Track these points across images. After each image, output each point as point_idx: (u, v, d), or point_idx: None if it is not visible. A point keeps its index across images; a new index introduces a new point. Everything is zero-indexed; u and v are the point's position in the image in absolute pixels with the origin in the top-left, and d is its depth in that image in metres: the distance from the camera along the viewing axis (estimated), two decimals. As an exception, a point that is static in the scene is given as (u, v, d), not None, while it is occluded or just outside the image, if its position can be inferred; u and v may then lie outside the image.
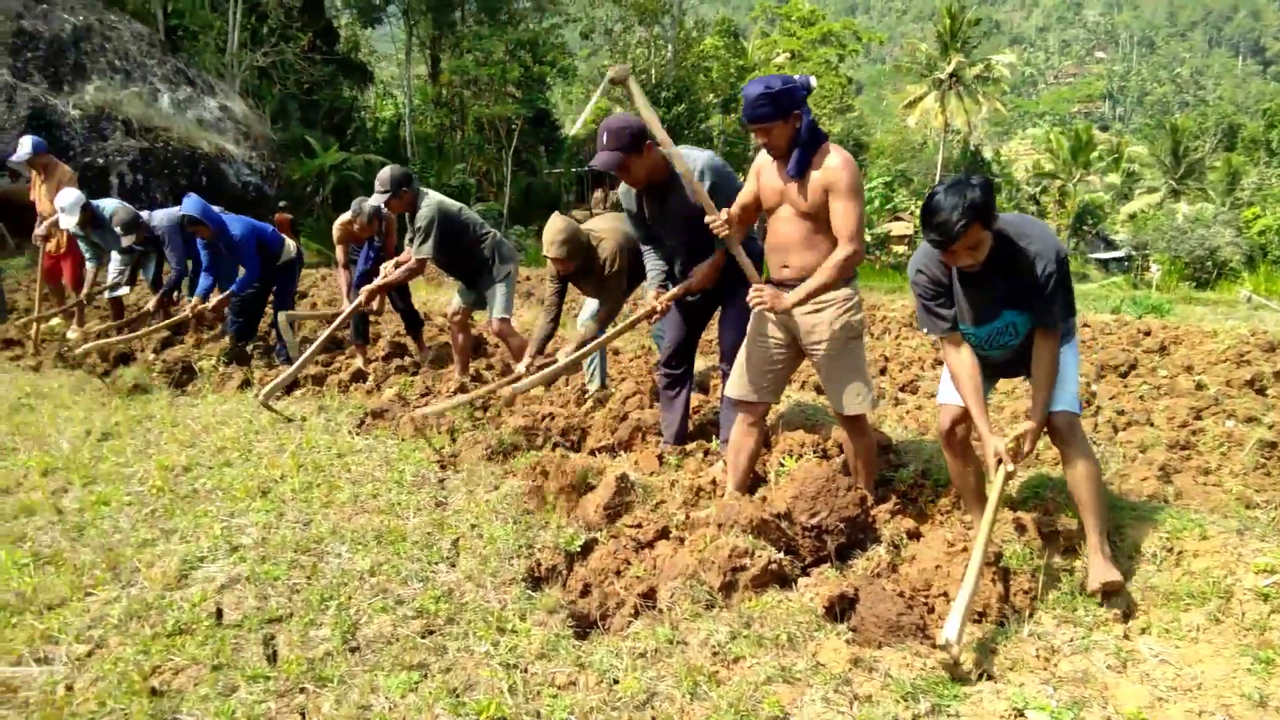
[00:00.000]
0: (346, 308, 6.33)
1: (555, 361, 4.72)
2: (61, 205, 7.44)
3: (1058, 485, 3.73)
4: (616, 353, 6.76)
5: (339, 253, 7.27)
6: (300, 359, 5.86)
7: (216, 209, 7.03)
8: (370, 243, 6.91)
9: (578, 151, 39.46)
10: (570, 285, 5.11)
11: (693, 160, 3.90)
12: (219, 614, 2.88)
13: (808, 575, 3.10)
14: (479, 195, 32.67)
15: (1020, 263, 2.93)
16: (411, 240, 5.87)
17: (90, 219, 7.60)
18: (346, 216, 6.81)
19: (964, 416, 3.26)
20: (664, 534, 3.43)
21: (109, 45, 17.07)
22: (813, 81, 3.43)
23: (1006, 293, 3.02)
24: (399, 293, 7.16)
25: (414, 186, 5.85)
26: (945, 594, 2.88)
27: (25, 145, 8.26)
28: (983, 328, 3.15)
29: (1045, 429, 3.14)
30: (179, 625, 2.79)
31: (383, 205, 5.80)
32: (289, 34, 26.69)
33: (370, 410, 5.42)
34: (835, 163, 3.31)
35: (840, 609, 2.77)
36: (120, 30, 17.89)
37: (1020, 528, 3.27)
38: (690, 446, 4.51)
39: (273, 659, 2.62)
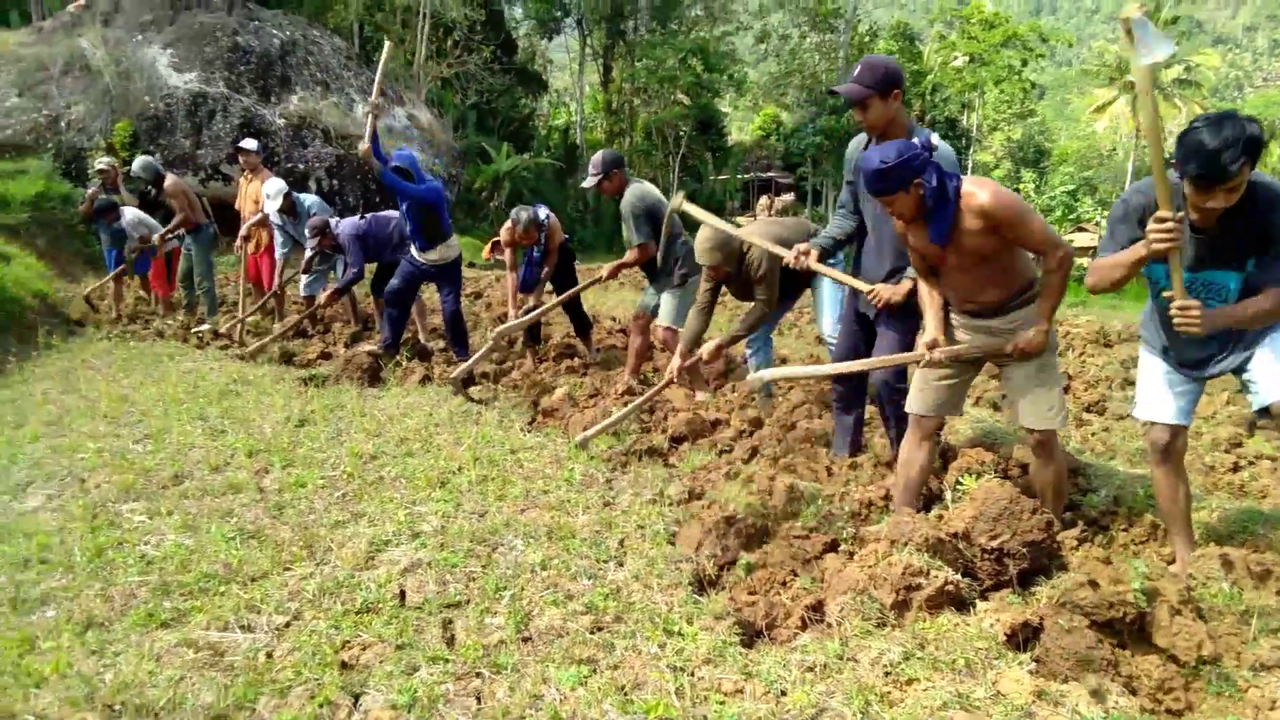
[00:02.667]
0: (511, 312, 6.72)
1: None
2: (268, 192, 8.23)
3: (1270, 520, 3.43)
4: (784, 360, 6.69)
5: (507, 256, 7.50)
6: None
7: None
8: (532, 250, 7.15)
9: (744, 158, 39.41)
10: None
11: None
12: (402, 596, 3.03)
13: (986, 600, 2.96)
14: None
15: (1263, 212, 2.79)
16: (628, 232, 6.11)
17: (290, 208, 8.32)
18: (508, 224, 7.05)
19: (1177, 432, 3.08)
20: (832, 547, 3.37)
21: (311, 59, 18.32)
22: (934, 139, 3.29)
23: (1233, 248, 2.88)
24: (571, 297, 7.36)
25: (626, 173, 6.14)
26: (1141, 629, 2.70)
27: (254, 142, 9.11)
28: (1193, 274, 3.01)
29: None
30: (366, 604, 2.96)
31: (593, 186, 6.06)
32: (472, 46, 27.88)
33: (541, 409, 5.59)
34: (983, 203, 3.12)
35: (1023, 638, 2.63)
36: (322, 45, 19.17)
37: (1227, 563, 3.02)
38: (861, 459, 4.40)
39: (451, 643, 2.74)
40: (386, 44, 7.15)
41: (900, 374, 4.23)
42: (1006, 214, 3.12)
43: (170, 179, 9.18)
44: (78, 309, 9.91)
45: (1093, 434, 5.62)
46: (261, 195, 8.81)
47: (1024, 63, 40.72)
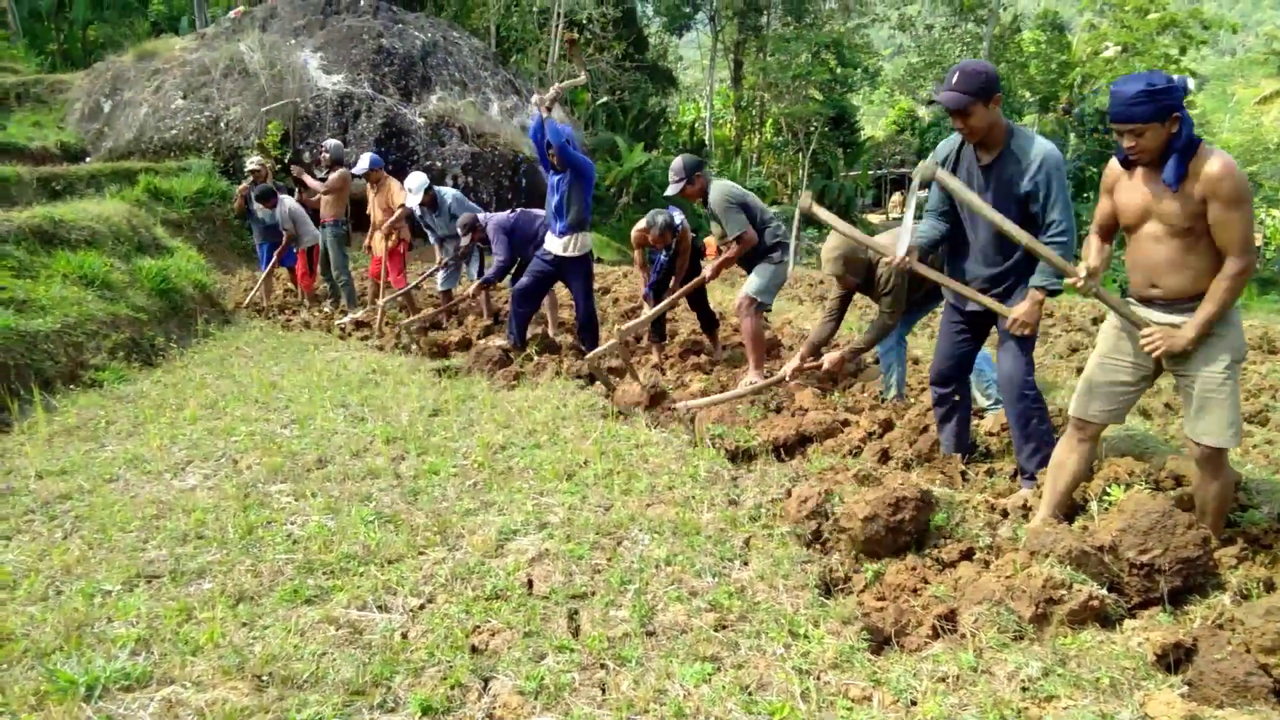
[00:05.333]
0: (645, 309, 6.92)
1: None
2: (410, 186, 8.56)
3: None
4: (916, 362, 6.50)
5: (636, 255, 7.53)
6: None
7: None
8: (665, 251, 7.16)
9: (876, 154, 38.57)
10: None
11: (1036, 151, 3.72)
12: (530, 584, 3.09)
13: (1134, 617, 2.81)
14: (774, 199, 32.85)
15: None
16: (722, 233, 6.12)
17: (431, 201, 8.69)
18: (642, 225, 7.04)
19: None
20: (968, 555, 3.25)
21: (450, 59, 18.90)
22: (1190, 84, 3.10)
23: None
24: (697, 293, 7.34)
25: (705, 173, 6.14)
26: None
27: (364, 161, 9.44)
28: None
29: None
30: (496, 591, 3.03)
31: (675, 193, 6.08)
32: (604, 44, 28.18)
33: (662, 407, 5.58)
34: (1215, 169, 2.91)
35: (1174, 659, 2.48)
36: (460, 45, 19.76)
37: None
38: (1000, 465, 4.24)
39: (576, 633, 2.77)
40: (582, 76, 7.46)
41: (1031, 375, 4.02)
42: (1226, 191, 2.90)
43: (340, 170, 9.78)
44: (236, 300, 10.59)
45: (1254, 446, 5.25)
46: (393, 194, 9.20)
47: (1183, 51, 38.28)
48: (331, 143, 10.11)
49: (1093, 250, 3.41)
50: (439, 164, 16.57)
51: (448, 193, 8.98)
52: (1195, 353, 3.13)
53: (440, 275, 9.20)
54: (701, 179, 6.07)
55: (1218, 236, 3.00)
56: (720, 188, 6.06)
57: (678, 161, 6.07)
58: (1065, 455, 3.45)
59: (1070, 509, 3.62)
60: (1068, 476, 3.44)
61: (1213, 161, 2.92)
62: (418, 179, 8.64)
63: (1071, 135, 39.25)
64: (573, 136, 7.01)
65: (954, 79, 3.68)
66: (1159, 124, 2.95)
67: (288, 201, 10.19)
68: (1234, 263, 2.98)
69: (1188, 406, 3.24)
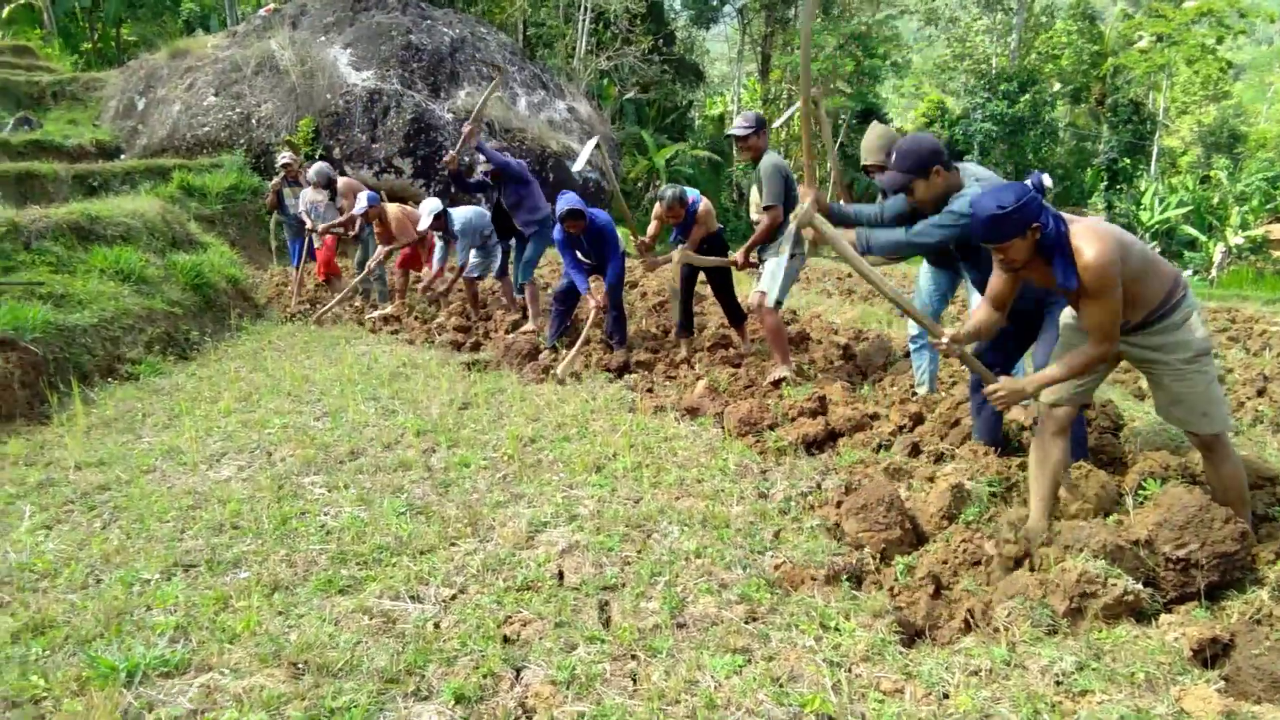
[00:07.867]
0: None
1: None
2: (421, 210, 8.89)
3: None
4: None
5: (652, 226, 7.47)
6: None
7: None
8: (678, 228, 7.10)
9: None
10: None
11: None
12: (560, 576, 3.11)
13: (1170, 612, 2.78)
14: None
15: None
16: (761, 198, 6.06)
17: (442, 226, 8.99)
18: (659, 208, 7.06)
19: None
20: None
21: (478, 55, 18.91)
22: (1046, 180, 3.13)
23: None
24: (723, 286, 7.31)
25: (768, 134, 6.10)
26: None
27: (361, 201, 9.49)
28: None
29: None
30: (527, 582, 3.05)
31: (739, 137, 6.00)
32: (631, 38, 28.15)
33: (684, 406, 5.56)
34: (1084, 260, 2.97)
35: (1211, 654, 2.45)
36: (488, 41, 19.77)
37: None
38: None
39: (607, 624, 2.79)
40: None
41: None
42: (1091, 281, 2.98)
43: (342, 181, 9.82)
44: (269, 295, 10.72)
45: (1293, 442, 5.18)
46: (401, 218, 9.51)
47: (1219, 40, 37.63)
48: (315, 168, 10.04)
49: (977, 316, 3.51)
50: (466, 159, 16.61)
51: (457, 215, 9.06)
52: (1151, 352, 3.20)
53: (471, 263, 9.25)
54: (765, 137, 6.04)
55: (1082, 321, 3.15)
56: (773, 157, 5.99)
57: (752, 112, 6.07)
58: (1045, 449, 3.36)
59: (1104, 502, 3.57)
60: (1052, 472, 3.33)
61: (1084, 254, 2.98)
62: (429, 204, 8.89)
63: (1104, 127, 38.76)
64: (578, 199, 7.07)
65: (894, 159, 3.88)
66: (1019, 239, 3.03)
67: (308, 194, 10.26)
68: (1094, 345, 3.09)
69: (1156, 394, 3.32)
